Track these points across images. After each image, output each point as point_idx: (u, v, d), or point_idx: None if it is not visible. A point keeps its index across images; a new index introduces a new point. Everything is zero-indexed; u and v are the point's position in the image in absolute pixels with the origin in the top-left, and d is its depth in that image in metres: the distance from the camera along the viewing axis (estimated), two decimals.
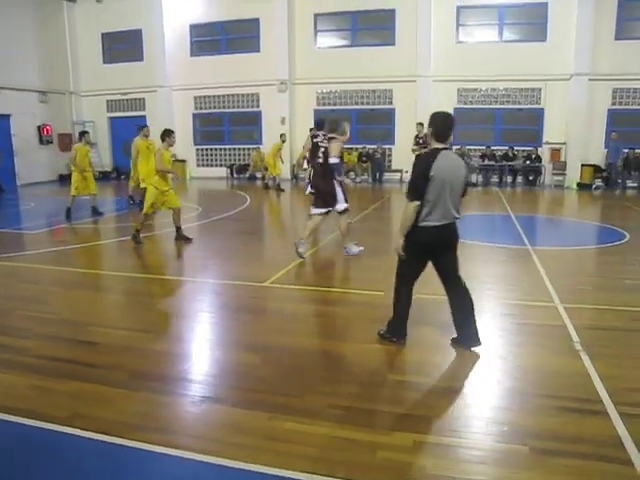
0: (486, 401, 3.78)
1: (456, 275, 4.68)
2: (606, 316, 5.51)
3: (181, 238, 9.48)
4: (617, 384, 3.89)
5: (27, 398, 3.83)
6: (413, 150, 13.99)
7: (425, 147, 11.87)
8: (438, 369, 4.27)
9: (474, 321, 4.60)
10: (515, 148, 19.48)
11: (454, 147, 19.54)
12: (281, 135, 18.29)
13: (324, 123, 8.49)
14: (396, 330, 4.75)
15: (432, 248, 4.50)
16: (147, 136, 12.73)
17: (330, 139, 7.98)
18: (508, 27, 19.45)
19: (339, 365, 4.37)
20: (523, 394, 3.80)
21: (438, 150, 4.35)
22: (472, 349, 4.57)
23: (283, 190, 17.61)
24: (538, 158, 19.25)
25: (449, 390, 3.93)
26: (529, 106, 19.47)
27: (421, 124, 13.88)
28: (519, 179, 19.76)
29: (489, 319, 5.45)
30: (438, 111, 4.54)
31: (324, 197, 8.04)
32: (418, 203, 4.32)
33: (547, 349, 4.63)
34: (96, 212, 12.55)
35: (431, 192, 4.28)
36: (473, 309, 4.62)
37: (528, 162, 19.34)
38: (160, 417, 3.60)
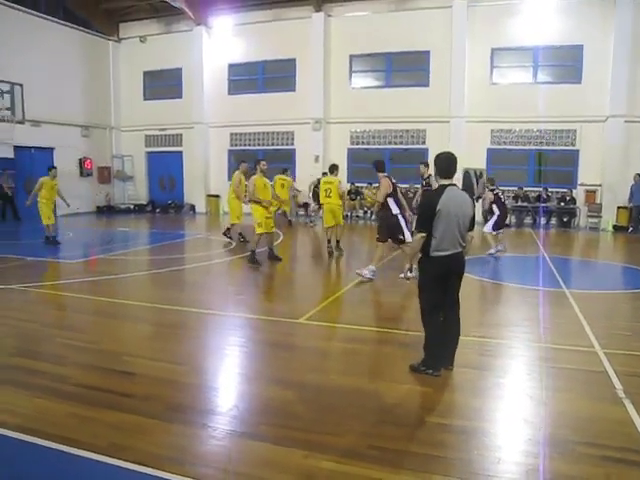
0: (527, 447, 3.68)
1: (455, 302, 5.01)
2: None
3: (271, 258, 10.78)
4: None
5: (66, 426, 3.88)
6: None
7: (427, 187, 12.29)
8: (477, 412, 4.19)
9: (454, 348, 4.99)
10: (549, 189, 19.33)
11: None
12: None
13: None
14: (429, 361, 4.87)
15: (445, 274, 4.82)
16: (264, 172, 10.87)
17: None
18: (543, 69, 19.52)
19: (376, 405, 4.32)
20: (565, 441, 3.70)
21: (445, 186, 4.80)
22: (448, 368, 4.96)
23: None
24: (573, 200, 19.05)
25: (488, 434, 3.85)
26: (564, 147, 19.36)
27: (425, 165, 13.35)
28: (553, 220, 19.53)
29: (527, 362, 5.37)
30: (441, 152, 5.00)
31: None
32: (424, 234, 4.74)
33: (588, 395, 4.52)
34: (53, 241, 13.03)
35: (440, 224, 4.68)
36: (457, 340, 5.01)
37: (562, 204, 19.15)
38: (196, 451, 3.61)
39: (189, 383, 4.77)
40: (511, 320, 7.10)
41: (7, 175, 19.31)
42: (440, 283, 4.84)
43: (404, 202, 9.47)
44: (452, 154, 4.97)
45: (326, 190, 11.91)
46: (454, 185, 4.86)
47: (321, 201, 12.37)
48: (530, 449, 3.64)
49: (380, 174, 9.22)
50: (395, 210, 9.05)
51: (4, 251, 11.78)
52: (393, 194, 9.10)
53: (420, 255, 4.92)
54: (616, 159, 18.21)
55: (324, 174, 13.92)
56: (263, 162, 10.87)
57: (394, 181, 9.28)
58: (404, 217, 9.20)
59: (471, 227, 4.97)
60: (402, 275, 9.25)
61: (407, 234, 9.05)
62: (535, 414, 4.17)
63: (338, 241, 12.19)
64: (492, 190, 12.36)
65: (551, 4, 18.55)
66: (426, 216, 4.75)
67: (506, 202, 12.71)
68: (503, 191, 12.86)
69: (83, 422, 3.95)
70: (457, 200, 4.79)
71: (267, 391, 4.63)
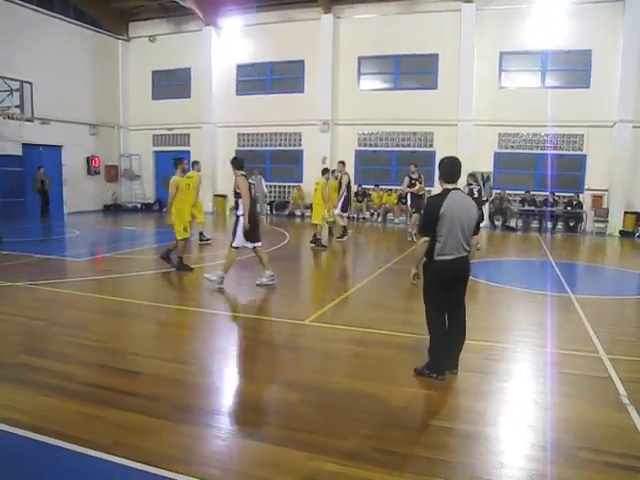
0: (530, 452, 3.68)
1: (460, 306, 5.04)
2: None
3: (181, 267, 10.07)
4: None
5: (72, 424, 3.91)
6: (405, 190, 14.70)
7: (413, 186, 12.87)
8: (481, 416, 4.20)
9: (458, 352, 5.03)
10: (556, 194, 19.27)
11: (494, 191, 19.54)
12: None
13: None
14: (434, 365, 4.91)
15: (449, 279, 4.85)
16: (185, 172, 10.57)
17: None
18: (551, 73, 19.47)
19: (380, 408, 4.33)
20: (568, 447, 3.70)
21: (448, 190, 4.82)
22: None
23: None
24: (579, 204, 18.99)
25: (492, 439, 3.86)
26: (571, 152, 19.31)
27: (414, 165, 14.26)
28: (559, 225, 19.47)
29: (532, 367, 5.37)
30: (445, 156, 5.03)
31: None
32: (428, 239, 4.78)
33: (592, 401, 4.52)
34: None
35: (443, 228, 4.70)
36: (462, 344, 5.05)
37: (569, 208, 19.09)
38: (201, 451, 3.63)
39: (195, 383, 4.80)
40: (516, 324, 7.09)
41: (43, 172, 20.04)
42: (444, 287, 4.86)
43: (256, 204, 9.00)
44: (456, 159, 5.00)
45: (315, 189, 13.65)
46: (458, 189, 4.88)
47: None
48: (533, 454, 3.64)
49: (238, 171, 8.58)
50: (239, 211, 8.57)
51: (13, 248, 11.87)
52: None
53: (425, 259, 4.91)
54: (623, 164, 18.14)
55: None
56: (185, 161, 10.52)
57: (250, 180, 8.74)
58: (254, 220, 8.63)
59: (476, 231, 5.00)
60: (258, 282, 8.82)
61: (238, 239, 8.55)
62: (539, 419, 4.18)
63: (317, 235, 13.48)
64: (469, 184, 12.54)
65: (560, 8, 18.49)
66: (429, 220, 4.78)
67: (485, 198, 13.25)
68: (480, 188, 13.14)
69: (89, 420, 3.98)
70: (461, 204, 4.81)
71: (272, 392, 4.66)
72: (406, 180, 14.13)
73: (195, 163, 12.64)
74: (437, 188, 5.04)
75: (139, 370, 5.05)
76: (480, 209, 12.17)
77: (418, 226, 5.01)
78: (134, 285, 9.32)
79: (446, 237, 4.71)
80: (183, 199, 10.14)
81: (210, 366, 5.39)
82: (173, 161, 10.20)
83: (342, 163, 14.88)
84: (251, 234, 8.52)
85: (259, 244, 8.74)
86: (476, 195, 12.38)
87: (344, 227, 14.32)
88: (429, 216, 4.80)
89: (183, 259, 10.13)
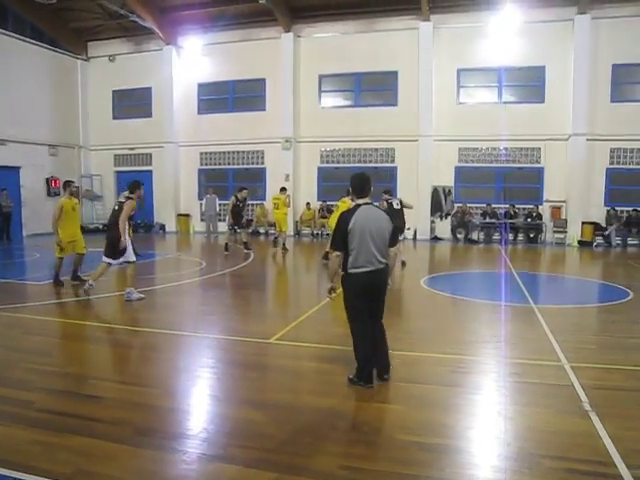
0: (496, 463, 3.71)
1: (377, 317, 5.18)
2: (614, 376, 5.47)
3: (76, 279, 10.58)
4: (629, 446, 3.82)
5: (30, 453, 3.77)
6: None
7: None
8: (448, 430, 4.20)
9: (386, 356, 5.19)
10: (516, 206, 19.72)
11: (456, 205, 19.91)
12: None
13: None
14: (360, 373, 5.03)
15: (364, 290, 4.99)
16: (74, 194, 11.08)
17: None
18: (507, 89, 20.01)
19: (347, 424, 4.32)
20: (533, 455, 3.74)
21: (359, 205, 5.03)
22: (385, 379, 5.15)
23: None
24: (539, 216, 19.45)
25: (459, 451, 3.87)
26: (529, 165, 19.82)
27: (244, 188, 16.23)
28: (520, 237, 19.88)
29: (495, 378, 5.42)
30: (355, 173, 5.26)
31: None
32: (338, 253, 5.00)
33: (555, 409, 4.58)
34: None
35: (353, 242, 4.89)
36: (386, 347, 5.21)
37: (529, 220, 19.53)
38: (166, 475, 3.55)
39: (158, 406, 4.70)
40: (481, 337, 7.15)
41: (6, 194, 19.68)
42: (362, 299, 5.01)
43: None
44: (365, 174, 5.23)
45: (275, 204, 16.51)
46: (369, 204, 5.05)
47: (273, 212, 16.80)
48: (500, 465, 3.66)
49: (132, 194, 9.69)
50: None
51: None
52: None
53: (343, 273, 5.09)
54: (579, 176, 18.75)
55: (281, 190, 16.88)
56: (75, 184, 10.80)
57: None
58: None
59: (393, 243, 5.12)
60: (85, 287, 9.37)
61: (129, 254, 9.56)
62: (505, 430, 4.21)
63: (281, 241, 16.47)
64: (387, 200, 12.73)
65: (514, 27, 19.04)
66: (338, 236, 4.99)
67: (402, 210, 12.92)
68: (400, 201, 13.08)
69: (48, 449, 3.85)
70: (370, 217, 4.97)
71: (238, 412, 4.58)
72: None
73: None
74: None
75: (101, 395, 4.92)
76: (402, 220, 12.54)
77: (330, 242, 5.18)
78: (97, 308, 9.11)
79: (357, 250, 4.89)
80: (68, 220, 10.63)
81: (174, 388, 5.28)
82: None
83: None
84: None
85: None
86: (397, 207, 12.67)
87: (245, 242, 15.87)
88: (338, 232, 4.99)
89: (59, 275, 10.57)
